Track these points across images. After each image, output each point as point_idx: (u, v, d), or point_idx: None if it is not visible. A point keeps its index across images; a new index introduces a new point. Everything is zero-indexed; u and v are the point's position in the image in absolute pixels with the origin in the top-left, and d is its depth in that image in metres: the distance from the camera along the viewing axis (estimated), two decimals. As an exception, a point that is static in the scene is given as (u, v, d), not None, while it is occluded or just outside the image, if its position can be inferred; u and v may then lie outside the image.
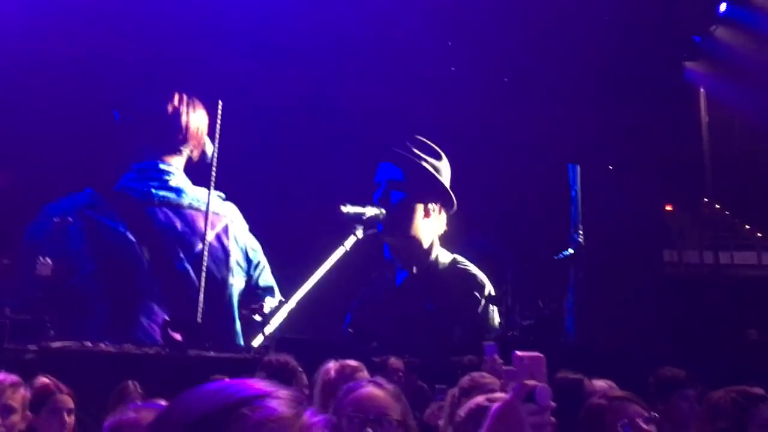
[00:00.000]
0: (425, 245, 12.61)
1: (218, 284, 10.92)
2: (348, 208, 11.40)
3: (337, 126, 12.09)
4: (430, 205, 12.66)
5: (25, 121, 10.47)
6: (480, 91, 12.97)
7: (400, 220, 12.42)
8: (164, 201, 11.00)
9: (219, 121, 10.36)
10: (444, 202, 12.70)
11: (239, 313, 10.36)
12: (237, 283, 11.24)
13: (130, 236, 10.59)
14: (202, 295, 9.03)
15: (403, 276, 12.57)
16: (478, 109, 13.02)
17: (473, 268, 12.78)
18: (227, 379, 0.82)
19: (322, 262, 11.02)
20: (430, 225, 12.68)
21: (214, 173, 10.12)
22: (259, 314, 8.95)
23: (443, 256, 12.76)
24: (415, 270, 12.46)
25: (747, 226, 19.32)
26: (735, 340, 12.58)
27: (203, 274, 9.44)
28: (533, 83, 13.07)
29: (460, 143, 12.96)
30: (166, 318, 7.56)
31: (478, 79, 12.98)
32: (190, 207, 11.05)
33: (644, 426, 2.09)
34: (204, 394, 0.78)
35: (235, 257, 11.28)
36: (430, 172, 12.59)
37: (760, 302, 14.90)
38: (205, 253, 9.74)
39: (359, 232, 11.28)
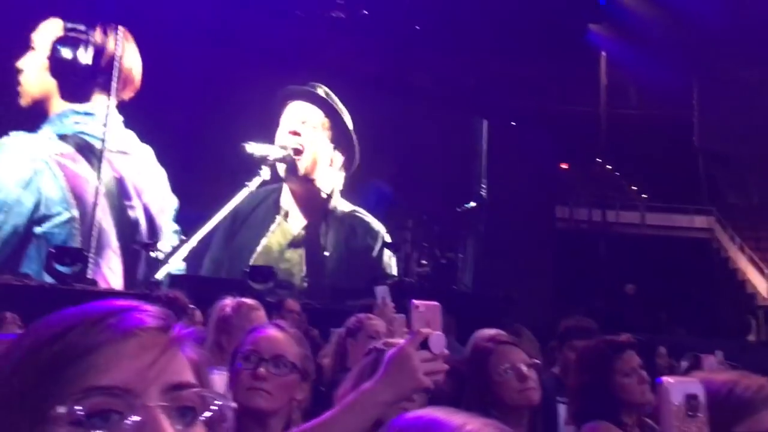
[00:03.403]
0: (324, 193, 12.54)
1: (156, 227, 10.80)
2: (252, 148, 11.14)
3: (242, 65, 11.73)
4: (335, 155, 12.55)
5: None
6: (388, 38, 12.86)
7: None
8: (117, 149, 10.71)
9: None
10: (350, 155, 12.63)
11: (130, 247, 10.06)
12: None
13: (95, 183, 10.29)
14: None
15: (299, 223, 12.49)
16: (386, 58, 12.94)
17: (371, 219, 12.84)
18: None
19: (226, 201, 10.85)
20: (332, 175, 12.59)
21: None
22: (155, 250, 8.70)
23: (342, 206, 12.74)
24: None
25: (633, 188, 20.38)
26: (614, 293, 13.35)
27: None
28: (442, 35, 13.08)
29: (368, 90, 12.88)
30: (51, 249, 7.20)
31: (388, 25, 12.85)
32: (129, 153, 10.85)
33: (525, 371, 2.19)
34: (65, 313, 0.73)
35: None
36: (344, 120, 12.47)
37: (640, 260, 15.87)
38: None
39: (264, 173, 11.09)
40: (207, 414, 0.72)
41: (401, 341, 1.80)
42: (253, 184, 10.90)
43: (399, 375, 1.39)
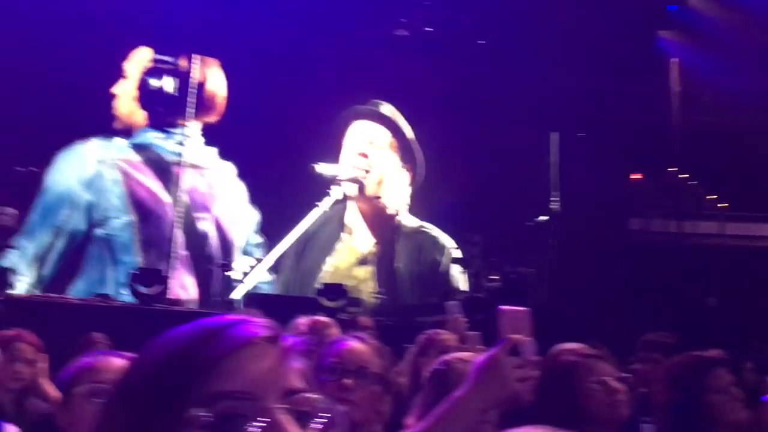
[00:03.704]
0: (392, 210, 12.55)
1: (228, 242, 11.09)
2: (322, 168, 11.30)
3: (310, 86, 11.95)
4: (403, 173, 12.59)
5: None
6: (453, 54, 12.88)
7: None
8: (190, 163, 11.10)
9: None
10: (415, 172, 12.66)
11: (205, 266, 10.35)
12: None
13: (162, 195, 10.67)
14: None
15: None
16: (452, 72, 12.94)
17: (438, 233, 12.79)
18: None
19: (298, 221, 11.04)
20: (399, 192, 12.62)
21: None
22: (230, 270, 8.91)
23: (409, 222, 12.73)
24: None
25: (711, 197, 19.66)
26: (695, 306, 12.89)
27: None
28: (507, 48, 13.01)
29: (435, 106, 12.90)
30: (134, 271, 7.50)
31: (452, 41, 12.88)
32: (203, 168, 11.22)
33: (615, 385, 2.13)
34: (182, 328, 0.78)
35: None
36: (408, 137, 12.53)
37: (721, 271, 15.27)
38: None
39: (335, 193, 11.24)
40: (321, 418, 0.75)
41: (463, 355, 1.80)
42: (324, 204, 11.04)
43: (491, 382, 1.38)
